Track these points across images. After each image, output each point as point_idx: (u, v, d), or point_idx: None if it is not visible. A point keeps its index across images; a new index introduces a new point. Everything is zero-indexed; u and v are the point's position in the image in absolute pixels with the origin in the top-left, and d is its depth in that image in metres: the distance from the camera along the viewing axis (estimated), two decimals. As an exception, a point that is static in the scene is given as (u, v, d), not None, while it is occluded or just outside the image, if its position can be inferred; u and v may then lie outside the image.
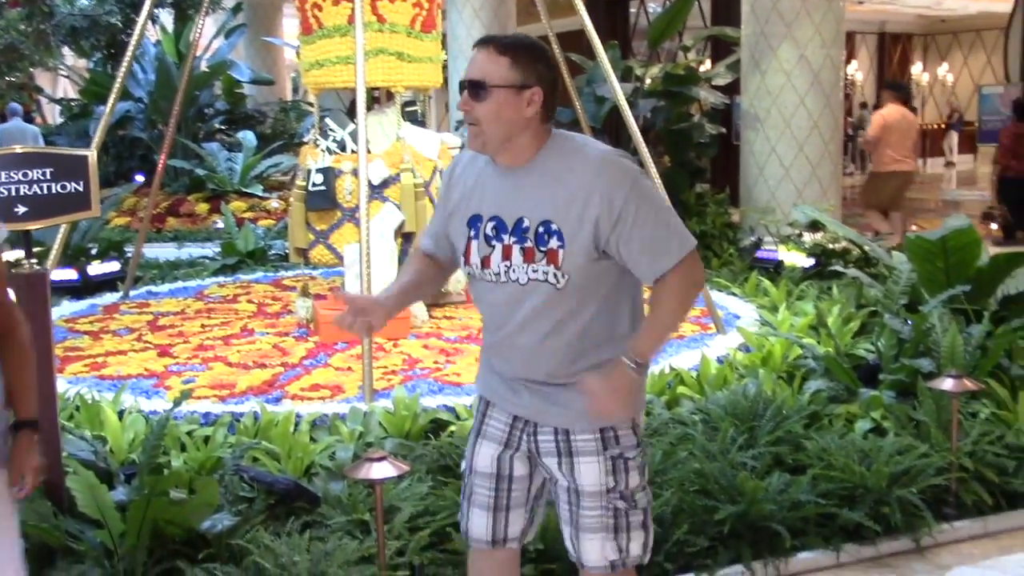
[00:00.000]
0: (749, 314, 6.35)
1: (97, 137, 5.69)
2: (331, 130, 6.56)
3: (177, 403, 3.77)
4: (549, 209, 2.19)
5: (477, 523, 2.46)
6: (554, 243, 2.19)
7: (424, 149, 6.58)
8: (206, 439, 4.19)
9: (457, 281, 6.95)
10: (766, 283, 6.91)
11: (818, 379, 4.74)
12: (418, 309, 6.31)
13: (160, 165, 6.92)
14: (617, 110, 9.81)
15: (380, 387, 4.92)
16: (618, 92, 6.27)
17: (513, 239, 2.22)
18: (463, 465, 2.52)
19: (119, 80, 6.08)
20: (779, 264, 7.77)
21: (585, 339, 2.25)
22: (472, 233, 2.29)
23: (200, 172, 13.37)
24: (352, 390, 4.94)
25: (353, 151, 6.47)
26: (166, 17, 14.29)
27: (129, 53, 6.12)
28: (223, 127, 16.24)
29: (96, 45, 11.12)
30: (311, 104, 16.89)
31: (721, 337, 5.77)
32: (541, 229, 2.20)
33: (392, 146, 6.42)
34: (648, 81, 10.03)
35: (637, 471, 2.33)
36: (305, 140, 15.44)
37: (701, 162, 10.02)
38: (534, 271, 2.21)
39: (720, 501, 3.56)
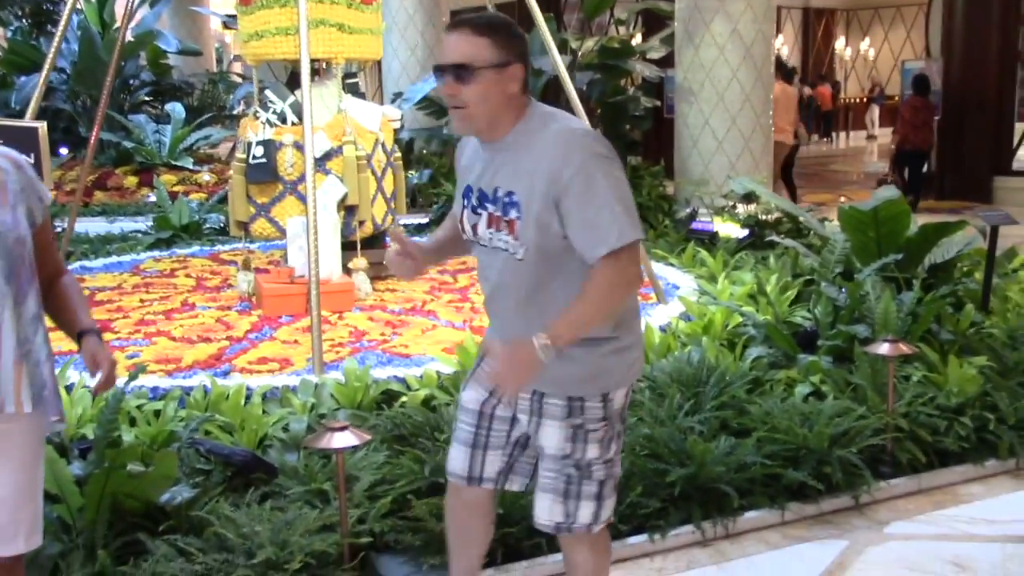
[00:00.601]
0: (688, 284, 6.49)
1: (31, 108, 5.55)
2: (271, 102, 6.50)
3: (132, 377, 3.75)
4: (513, 180, 2.26)
5: (456, 456, 2.58)
6: (513, 213, 2.25)
7: (366, 121, 6.56)
8: (156, 413, 4.17)
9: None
10: (703, 254, 7.06)
11: (758, 346, 4.88)
12: (361, 282, 6.32)
13: (93, 138, 6.77)
14: (553, 82, 9.92)
15: (329, 359, 4.93)
16: (559, 64, 6.32)
17: (492, 207, 2.32)
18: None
19: (53, 49, 5.94)
20: (714, 235, 7.93)
21: (553, 313, 2.25)
22: (465, 203, 2.40)
23: (128, 145, 13.08)
24: (300, 363, 4.95)
25: (293, 123, 6.43)
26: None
27: (64, 21, 5.97)
28: (149, 99, 15.90)
29: (20, 15, 10.79)
30: (240, 75, 16.67)
31: (662, 307, 5.90)
32: (506, 200, 2.27)
33: (334, 118, 6.40)
34: (582, 54, 10.10)
35: (597, 444, 2.38)
36: (235, 112, 15.30)
37: (635, 135, 10.14)
38: (501, 240, 2.31)
39: (670, 464, 3.67)
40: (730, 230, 7.82)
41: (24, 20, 11.96)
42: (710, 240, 7.86)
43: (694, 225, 8.32)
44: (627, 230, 2.18)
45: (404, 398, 4.37)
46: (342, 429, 3.12)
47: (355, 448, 3.33)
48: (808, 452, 3.81)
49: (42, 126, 3.29)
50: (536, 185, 2.20)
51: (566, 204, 2.18)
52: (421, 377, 4.56)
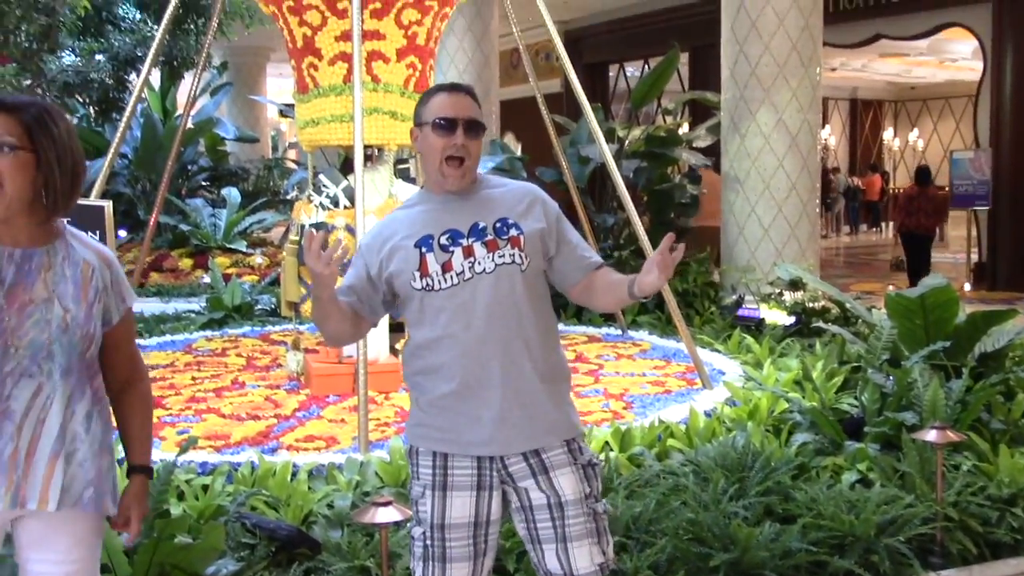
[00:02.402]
0: (734, 370, 6.48)
1: (95, 191, 5.78)
2: (324, 186, 6.69)
3: (183, 451, 3.82)
4: (502, 211, 2.51)
5: None
6: (514, 232, 2.48)
7: (416, 206, 6.70)
8: (204, 488, 4.23)
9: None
10: (749, 340, 7.05)
11: (804, 432, 4.85)
12: (408, 363, 6.38)
13: (152, 222, 7.01)
14: (598, 171, 10.09)
15: (374, 438, 4.97)
16: (606, 151, 6.45)
17: (472, 239, 2.46)
18: (415, 527, 2.49)
19: (119, 136, 6.21)
20: (761, 322, 7.92)
21: (549, 331, 2.53)
22: (424, 249, 2.46)
23: (184, 228, 13.44)
24: (346, 441, 5.00)
25: (346, 207, 6.60)
26: (154, 73, 14.45)
27: (129, 110, 6.25)
28: (206, 183, 16.37)
29: (88, 102, 11.26)
30: (295, 161, 17.11)
31: (708, 392, 5.89)
32: (499, 224, 2.48)
33: (385, 202, 6.55)
34: (629, 143, 10.26)
35: (599, 479, 2.55)
36: (289, 197, 15.65)
37: (682, 222, 10.21)
38: (500, 256, 2.45)
39: (714, 549, 3.64)
40: (777, 317, 7.81)
41: (91, 107, 12.44)
42: (756, 327, 7.85)
43: (740, 312, 8.32)
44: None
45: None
46: (386, 504, 3.15)
47: (398, 524, 3.35)
48: (855, 540, 3.76)
49: (108, 205, 3.45)
50: (534, 212, 2.52)
51: (561, 227, 2.58)
52: (465, 457, 4.57)
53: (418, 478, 2.48)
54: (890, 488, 4.13)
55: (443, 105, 2.47)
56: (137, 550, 3.22)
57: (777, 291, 8.20)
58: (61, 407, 2.19)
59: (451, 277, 2.42)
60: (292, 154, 21.83)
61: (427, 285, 2.43)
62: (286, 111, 15.64)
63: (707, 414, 5.30)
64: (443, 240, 2.45)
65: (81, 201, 3.76)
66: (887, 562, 3.69)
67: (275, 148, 23.26)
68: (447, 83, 2.55)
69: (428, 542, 2.44)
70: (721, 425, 5.09)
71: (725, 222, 9.51)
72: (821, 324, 6.70)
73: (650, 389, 6.11)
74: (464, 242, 2.44)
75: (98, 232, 3.39)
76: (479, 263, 2.43)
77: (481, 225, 2.46)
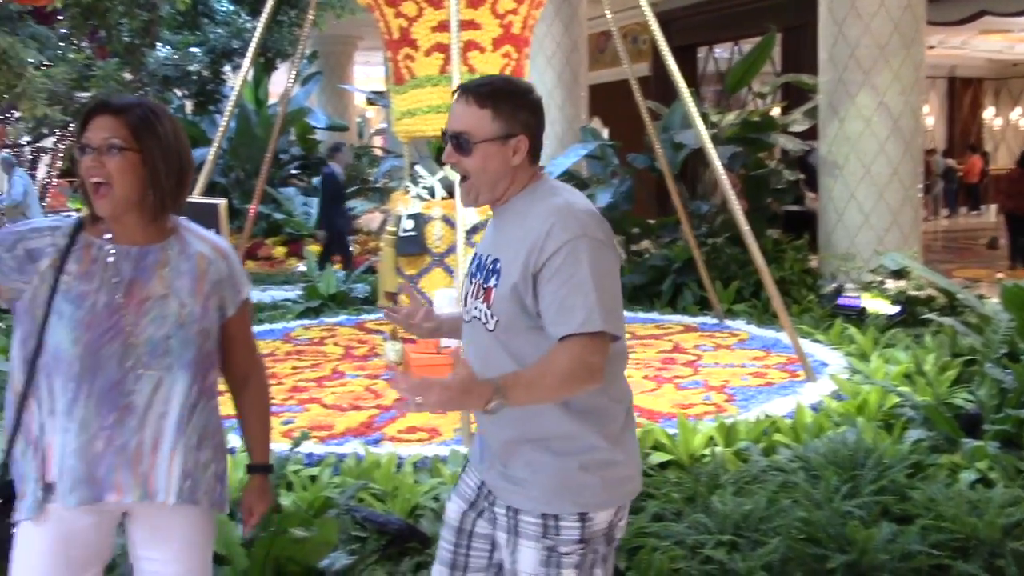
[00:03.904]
0: (836, 362, 6.32)
1: (200, 183, 5.90)
2: (420, 177, 6.71)
3: (296, 444, 3.87)
4: (502, 247, 2.16)
5: None
6: (492, 281, 2.14)
7: (512, 196, 6.69)
8: (312, 478, 4.28)
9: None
10: (852, 330, 6.87)
11: (918, 428, 4.70)
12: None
13: (252, 211, 7.13)
14: (691, 157, 9.93)
15: (475, 430, 4.97)
16: (705, 137, 6.33)
17: (479, 275, 2.21)
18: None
19: (221, 129, 6.31)
20: (862, 311, 7.71)
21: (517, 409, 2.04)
22: (468, 272, 2.30)
23: (277, 216, 13.67)
24: (448, 433, 5.02)
25: (443, 198, 6.61)
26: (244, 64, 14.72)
27: (231, 103, 6.35)
28: (297, 172, 16.61)
29: (186, 94, 11.52)
30: (383, 149, 17.26)
31: (812, 384, 5.75)
32: (491, 267, 2.17)
33: (481, 193, 6.54)
34: (721, 128, 10.08)
35: (575, 569, 2.12)
36: (378, 185, 15.81)
37: (778, 208, 10.01)
38: (476, 309, 2.18)
39: (829, 550, 3.54)
40: (879, 306, 7.60)
41: (188, 99, 12.74)
42: (858, 316, 7.65)
43: (840, 301, 8.11)
44: (595, 318, 1.99)
45: (552, 471, 4.37)
46: (499, 502, 3.13)
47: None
48: (979, 543, 3.62)
49: (223, 203, 3.48)
50: (520, 254, 2.08)
51: (543, 276, 2.04)
52: (568, 451, 4.55)
53: None
54: (1013, 488, 3.97)
55: (448, 117, 2.20)
56: (254, 543, 3.27)
57: (879, 279, 7.97)
58: (181, 400, 2.23)
59: (467, 313, 2.24)
60: (378, 141, 22.07)
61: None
62: (374, 99, 15.79)
63: (813, 408, 5.17)
64: (475, 268, 2.24)
65: (196, 199, 3.85)
66: (1014, 567, 3.55)
67: (361, 135, 23.50)
68: (463, 83, 2.20)
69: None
70: (829, 420, 4.96)
71: (823, 208, 9.29)
72: (930, 315, 6.47)
73: (751, 381, 5.99)
74: (478, 277, 2.21)
75: (215, 229, 3.43)
76: (474, 308, 2.20)
77: (487, 260, 2.18)
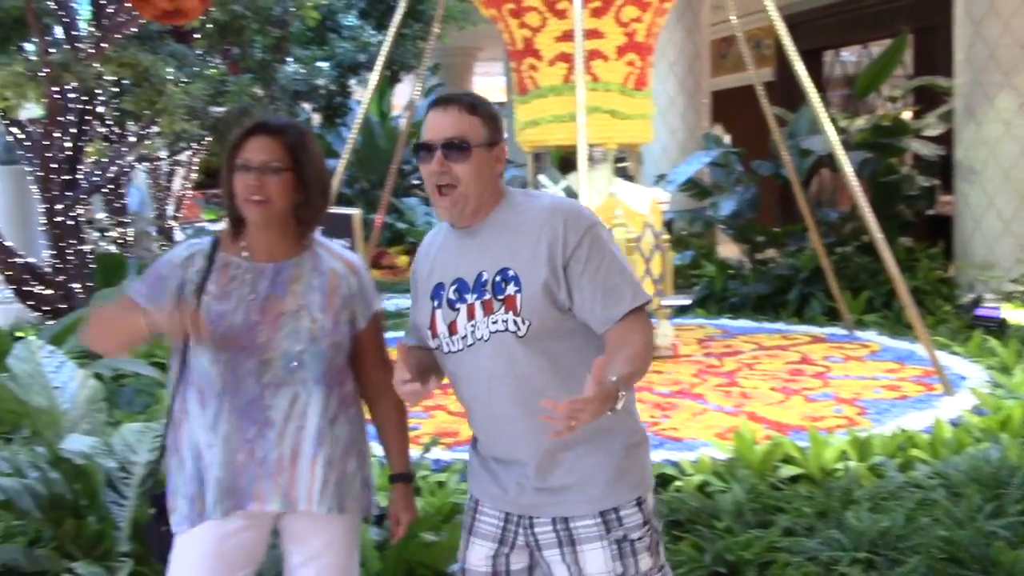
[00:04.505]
0: (976, 375, 6.07)
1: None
2: (544, 186, 6.74)
3: (426, 450, 3.94)
4: (506, 257, 2.13)
5: None
6: (511, 289, 2.10)
7: (635, 204, 6.67)
8: (439, 484, 4.34)
9: (664, 336, 6.97)
10: (992, 342, 6.58)
11: (1067, 446, 4.47)
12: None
13: (378, 221, 7.30)
14: (818, 164, 9.69)
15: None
16: (836, 143, 6.18)
17: (474, 296, 2.13)
18: (457, 565, 2.33)
19: (349, 142, 6.48)
20: (1003, 323, 7.38)
21: (567, 392, 1.99)
22: (436, 304, 2.19)
23: (400, 226, 13.93)
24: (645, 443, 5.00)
25: (566, 206, 6.63)
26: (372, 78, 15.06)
27: (360, 116, 6.51)
28: (418, 182, 16.89)
29: (314, 108, 11.88)
30: (506, 159, 17.40)
31: (950, 398, 5.53)
32: (498, 278, 2.12)
33: (604, 201, 6.54)
34: (851, 133, 9.81)
35: (647, 553, 2.14)
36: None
37: (910, 215, 9.68)
38: (495, 322, 2.10)
39: (973, 571, 3.41)
40: (1022, 317, 7.26)
41: (315, 113, 13.13)
42: (998, 328, 7.32)
43: (979, 312, 7.78)
44: (639, 291, 2.10)
45: (678, 483, 4.33)
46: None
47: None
48: None
49: (357, 213, 3.57)
50: (539, 254, 2.08)
51: (575, 269, 2.07)
52: (696, 462, 4.50)
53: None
54: None
55: (426, 127, 2.16)
56: (386, 547, 3.34)
57: (1021, 289, 7.62)
58: (317, 413, 2.29)
59: (457, 341, 2.15)
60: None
61: (438, 346, 2.20)
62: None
63: (953, 423, 4.97)
64: (451, 294, 2.16)
65: (330, 210, 3.95)
66: None
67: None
68: (440, 96, 2.21)
69: None
70: (969, 435, 4.76)
71: (958, 215, 8.94)
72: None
73: (885, 394, 5.80)
74: (469, 299, 2.13)
75: (348, 239, 3.53)
76: (478, 328, 2.12)
77: (484, 277, 2.13)
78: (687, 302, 9.34)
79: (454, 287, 2.17)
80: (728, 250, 11.38)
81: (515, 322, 2.08)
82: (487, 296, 2.12)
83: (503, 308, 2.10)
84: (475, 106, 2.16)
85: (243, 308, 2.27)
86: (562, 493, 2.12)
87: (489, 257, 2.14)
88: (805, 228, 8.02)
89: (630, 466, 2.15)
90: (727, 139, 13.88)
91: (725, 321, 8.62)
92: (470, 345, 2.13)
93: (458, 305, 2.15)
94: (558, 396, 1.92)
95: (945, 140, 9.61)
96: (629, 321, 2.06)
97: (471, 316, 2.12)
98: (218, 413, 2.25)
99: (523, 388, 2.09)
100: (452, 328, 2.15)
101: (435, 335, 2.19)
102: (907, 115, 11.73)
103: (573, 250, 2.07)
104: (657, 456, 4.64)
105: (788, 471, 4.37)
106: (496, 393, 2.12)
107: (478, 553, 2.23)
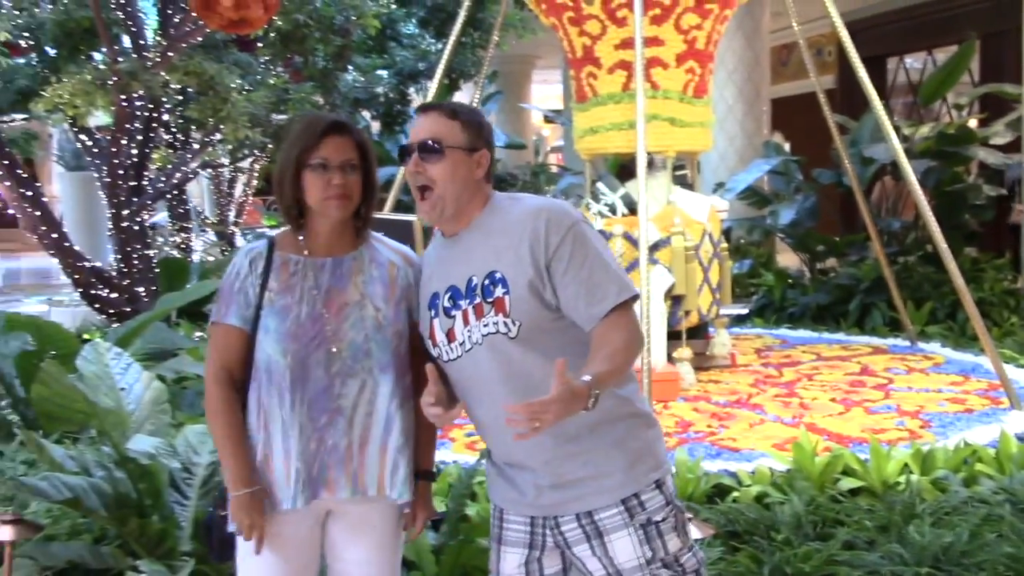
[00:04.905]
0: (1046, 389, 5.93)
1: (389, 202, 6.11)
2: (602, 194, 6.73)
3: (482, 456, 3.94)
4: (492, 259, 2.16)
5: None
6: (499, 291, 2.13)
7: (694, 212, 6.62)
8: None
9: (722, 344, 6.91)
10: (1061, 356, 6.42)
11: None
12: (686, 372, 6.31)
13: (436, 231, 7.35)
14: (880, 173, 9.54)
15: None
16: (899, 151, 6.08)
17: (467, 301, 2.18)
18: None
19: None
20: (1072, 335, 7.20)
21: None
22: (432, 313, 2.25)
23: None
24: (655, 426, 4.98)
25: (624, 214, 6.61)
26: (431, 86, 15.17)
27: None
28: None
29: (373, 115, 12.00)
30: (559, 167, 17.39)
31: (1018, 413, 5.41)
32: (487, 281, 2.16)
33: (663, 209, 6.51)
34: (915, 141, 9.65)
35: (674, 533, 2.18)
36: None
37: (976, 225, 9.48)
38: (486, 325, 2.15)
39: (1040, 589, 3.33)
40: (1092, 330, 7.07)
41: (374, 120, 13.27)
42: (1067, 341, 7.15)
43: (1048, 324, 7.61)
44: (625, 285, 2.11)
45: (736, 493, 4.29)
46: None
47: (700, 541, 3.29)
48: None
49: (417, 219, 3.60)
50: (522, 254, 2.12)
51: (558, 268, 2.10)
52: (753, 473, 4.45)
53: (491, 528, 2.37)
54: None
55: (410, 133, 2.25)
56: (443, 551, 3.36)
57: (1092, 301, 7.43)
58: (385, 400, 2.33)
59: (455, 348, 2.20)
60: (553, 158, 22.25)
61: (439, 355, 2.25)
62: (551, 116, 15.96)
63: (1019, 438, 4.86)
64: (446, 302, 2.22)
65: (391, 216, 4.00)
66: None
67: (537, 153, 23.77)
68: (424, 103, 2.32)
69: None
70: (1037, 451, 4.65)
71: (1027, 225, 8.74)
72: None
73: (949, 407, 5.69)
74: (463, 304, 2.18)
75: (409, 245, 3.55)
76: (472, 332, 2.17)
77: (474, 282, 2.18)
78: (743, 311, 9.27)
79: (448, 295, 2.22)
80: (788, 259, 11.26)
81: (505, 324, 2.12)
82: (477, 300, 2.16)
83: (493, 311, 2.14)
84: (455, 112, 2.23)
85: (308, 300, 2.31)
86: (579, 487, 2.14)
87: (477, 261, 2.19)
88: (867, 237, 7.91)
89: (643, 450, 2.17)
90: (787, 147, 13.74)
91: (784, 331, 8.52)
92: (468, 350, 2.18)
93: (453, 312, 2.20)
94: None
95: (1014, 148, 9.41)
96: (613, 318, 2.08)
97: (466, 322, 2.18)
98: (292, 406, 2.28)
99: (520, 388, 2.11)
100: (450, 336, 2.21)
101: (435, 344, 2.25)
102: (973, 123, 11.53)
103: (555, 249, 2.11)
104: (714, 466, 4.61)
105: (848, 483, 4.31)
106: (496, 395, 2.14)
107: (511, 562, 2.26)
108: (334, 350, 2.30)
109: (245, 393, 2.36)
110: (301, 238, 2.36)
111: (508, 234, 2.16)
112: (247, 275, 2.35)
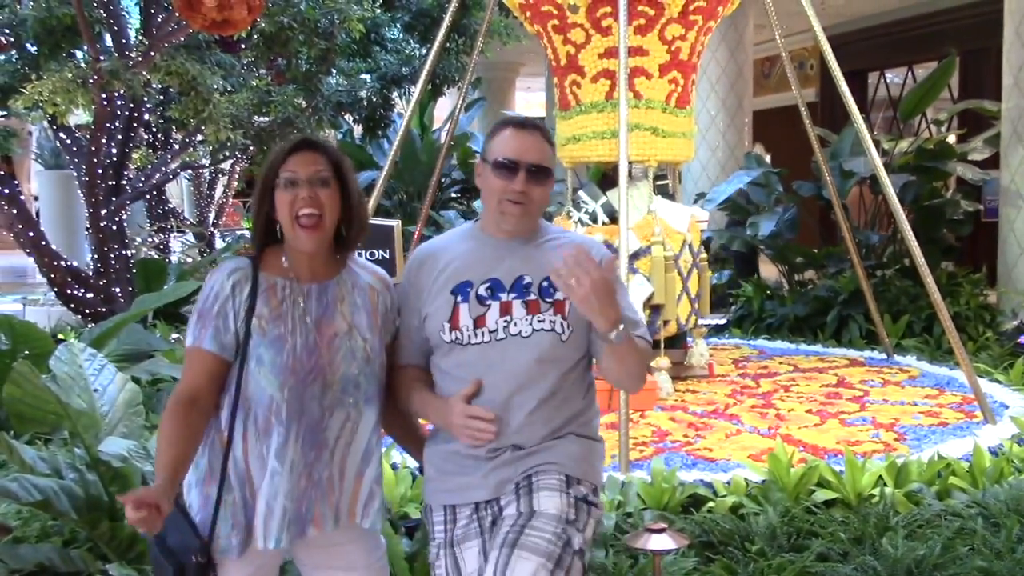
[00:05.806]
0: (1018, 403, 5.98)
1: (370, 205, 6.09)
2: (583, 202, 6.74)
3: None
4: (548, 269, 2.25)
5: None
6: (559, 295, 2.28)
7: (674, 222, 6.64)
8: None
9: (700, 355, 6.92)
10: (1035, 371, 6.48)
11: (1111, 479, 4.38)
12: (663, 381, 6.32)
13: (416, 235, 7.33)
14: (858, 186, 9.58)
15: (632, 458, 4.94)
16: (879, 165, 6.12)
17: (513, 295, 2.30)
18: None
19: (391, 155, 6.53)
20: (1046, 351, 7.26)
21: (572, 399, 2.34)
22: (459, 299, 2.31)
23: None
24: (605, 459, 4.98)
25: (604, 223, 6.62)
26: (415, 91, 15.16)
27: (402, 130, 6.56)
28: (457, 195, 16.94)
29: (357, 120, 11.95)
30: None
31: (991, 427, 5.44)
32: (545, 284, 2.30)
33: (644, 219, 6.52)
34: (895, 155, 9.71)
35: (594, 525, 2.30)
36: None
37: (953, 240, 9.56)
38: (540, 321, 2.29)
39: (1011, 604, 3.35)
40: (1066, 346, 7.14)
41: (357, 124, 13.23)
42: (1041, 356, 7.19)
43: (1022, 339, 7.66)
44: (647, 331, 2.37)
45: (711, 504, 4.29)
46: (660, 531, 3.10)
47: (669, 552, 3.29)
48: None
49: (397, 224, 3.60)
50: None
51: None
52: (729, 483, 4.46)
53: (433, 538, 2.37)
54: None
55: (507, 144, 2.30)
56: (416, 557, 3.34)
57: (1066, 318, 7.50)
58: (367, 432, 2.32)
59: (482, 333, 2.29)
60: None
61: (456, 339, 2.30)
62: (535, 124, 16.00)
63: (992, 452, 4.89)
64: (482, 290, 2.30)
65: (371, 220, 3.98)
66: None
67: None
68: (517, 117, 2.39)
69: None
70: (1010, 465, 4.69)
71: (1004, 240, 8.82)
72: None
73: (923, 420, 5.72)
74: (504, 297, 2.29)
75: (388, 250, 3.55)
76: (515, 324, 2.28)
77: (527, 280, 2.31)
78: (722, 322, 9.30)
79: (485, 285, 2.31)
80: (767, 270, 11.30)
81: (561, 324, 2.29)
82: (531, 297, 2.30)
83: (552, 310, 2.29)
84: (550, 139, 2.38)
85: (301, 331, 2.24)
86: (536, 465, 2.27)
87: (533, 266, 2.32)
88: (845, 250, 7.94)
89: (597, 464, 2.40)
90: (768, 159, 13.81)
91: (762, 342, 8.55)
92: (499, 339, 2.28)
93: (489, 301, 2.30)
94: (561, 401, 2.30)
95: (992, 164, 9.49)
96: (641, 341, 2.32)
97: (505, 312, 2.29)
98: (285, 441, 2.20)
99: (542, 385, 2.28)
100: (479, 322, 2.29)
101: (455, 327, 2.30)
102: (952, 138, 11.62)
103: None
104: (690, 476, 4.61)
105: (823, 495, 4.32)
106: (507, 386, 2.26)
107: (471, 557, 2.28)
108: (328, 382, 2.25)
109: (208, 419, 2.24)
110: (284, 259, 2.28)
111: (556, 255, 2.23)
112: (228, 298, 2.23)
